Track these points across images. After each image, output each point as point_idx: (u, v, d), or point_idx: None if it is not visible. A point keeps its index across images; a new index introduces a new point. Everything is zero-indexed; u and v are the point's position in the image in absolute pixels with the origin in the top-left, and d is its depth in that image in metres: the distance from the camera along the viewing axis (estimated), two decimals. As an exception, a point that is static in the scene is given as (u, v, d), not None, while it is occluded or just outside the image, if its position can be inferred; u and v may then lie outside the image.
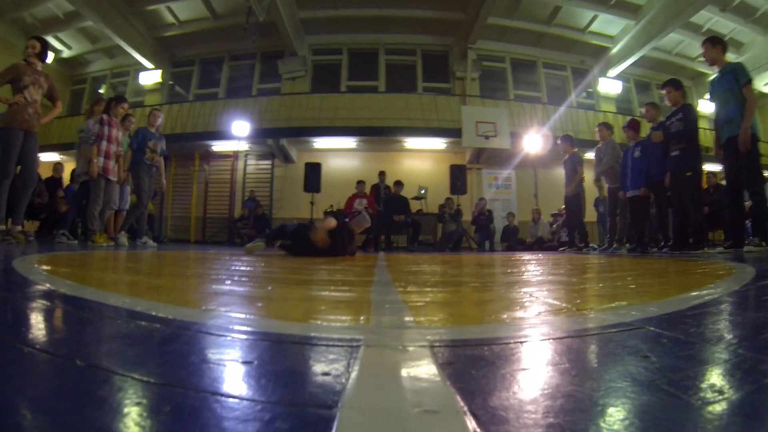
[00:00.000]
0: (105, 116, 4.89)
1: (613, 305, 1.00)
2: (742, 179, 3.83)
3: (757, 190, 3.73)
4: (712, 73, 4.03)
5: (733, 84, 3.76)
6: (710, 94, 4.14)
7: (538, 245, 8.12)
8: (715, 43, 3.96)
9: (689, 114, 4.27)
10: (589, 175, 6.40)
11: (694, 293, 1.21)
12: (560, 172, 6.64)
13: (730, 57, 11.39)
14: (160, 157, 5.51)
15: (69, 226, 5.16)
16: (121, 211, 5.48)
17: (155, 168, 5.48)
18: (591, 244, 6.44)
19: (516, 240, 8.74)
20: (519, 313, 0.88)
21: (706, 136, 11.65)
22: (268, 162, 11.02)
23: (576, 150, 6.26)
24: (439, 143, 10.52)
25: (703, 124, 12.44)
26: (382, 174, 8.60)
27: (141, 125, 5.76)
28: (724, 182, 5.15)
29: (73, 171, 7.25)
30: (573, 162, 6.07)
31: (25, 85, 3.95)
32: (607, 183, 5.86)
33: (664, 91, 4.56)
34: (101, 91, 12.72)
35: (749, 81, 3.72)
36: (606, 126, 5.91)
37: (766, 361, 0.54)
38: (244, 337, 0.64)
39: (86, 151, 4.97)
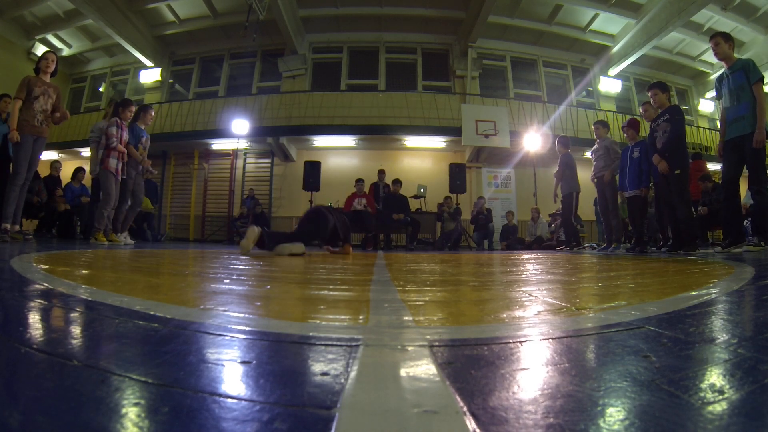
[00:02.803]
0: (118, 120, 4.97)
1: (612, 305, 1.00)
2: (739, 178, 3.82)
3: (761, 189, 3.69)
4: (713, 72, 4.02)
5: (744, 80, 3.71)
6: (716, 91, 4.08)
7: (537, 244, 8.12)
8: (728, 39, 3.91)
9: (675, 114, 4.26)
10: (583, 174, 6.37)
11: (693, 293, 1.21)
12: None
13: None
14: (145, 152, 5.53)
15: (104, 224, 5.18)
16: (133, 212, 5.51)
17: (141, 167, 5.46)
18: (591, 244, 6.44)
19: (515, 239, 8.74)
20: (518, 313, 0.88)
21: (706, 136, 11.68)
22: (268, 160, 11.02)
23: (569, 151, 6.25)
24: (438, 142, 10.52)
25: (703, 123, 12.47)
26: (381, 172, 8.60)
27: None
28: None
29: (77, 169, 7.26)
30: (564, 161, 6.08)
31: (35, 96, 4.17)
32: (594, 177, 5.71)
33: (649, 93, 4.55)
34: (101, 89, 12.70)
35: (761, 79, 3.66)
36: (602, 124, 5.88)
37: (766, 361, 0.53)
38: (242, 336, 0.64)
39: (94, 150, 5.10)
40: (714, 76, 4.38)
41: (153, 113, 5.76)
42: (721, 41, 3.90)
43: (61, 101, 4.49)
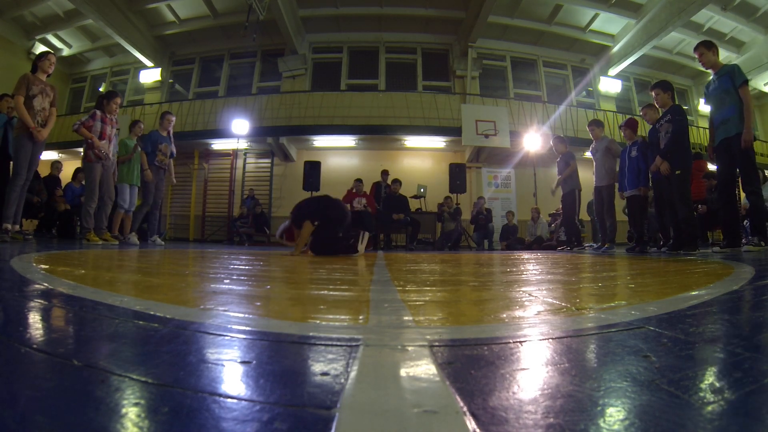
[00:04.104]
0: (98, 112, 4.86)
1: (612, 305, 1.00)
2: (734, 179, 3.84)
3: (754, 190, 3.73)
4: (711, 74, 4.03)
5: (729, 85, 3.77)
6: (705, 97, 4.15)
7: (537, 244, 8.12)
8: (710, 46, 3.99)
9: (677, 114, 4.28)
10: (585, 174, 6.36)
11: (693, 293, 1.21)
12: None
13: (731, 57, 11.43)
14: (169, 159, 5.62)
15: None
16: (129, 212, 5.50)
17: (164, 170, 5.57)
18: (590, 244, 6.43)
19: (515, 239, 8.74)
20: (518, 313, 0.88)
21: (706, 136, 11.66)
22: (268, 160, 11.01)
23: (568, 149, 6.25)
24: (438, 142, 10.52)
25: (703, 123, 12.45)
26: (384, 173, 8.58)
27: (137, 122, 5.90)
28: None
29: (77, 169, 7.26)
30: (566, 159, 6.07)
31: (33, 95, 4.14)
32: (595, 181, 5.72)
33: (653, 93, 4.56)
34: (101, 89, 12.70)
35: (746, 81, 3.73)
36: (597, 123, 5.82)
37: (765, 361, 0.53)
38: (242, 336, 0.64)
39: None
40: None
41: (173, 119, 5.83)
42: (705, 50, 3.98)
43: (57, 101, 4.47)
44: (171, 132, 5.86)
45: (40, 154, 4.36)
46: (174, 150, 5.84)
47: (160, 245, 5.31)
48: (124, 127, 6.07)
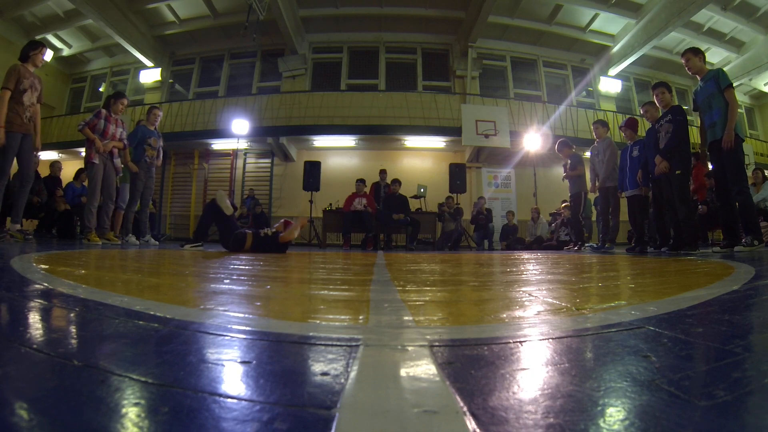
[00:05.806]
0: (103, 110, 4.80)
1: (612, 304, 1.00)
2: (727, 180, 3.88)
3: (742, 189, 3.78)
4: (699, 79, 4.07)
5: (715, 89, 3.85)
6: (693, 104, 4.22)
7: (537, 244, 8.12)
8: (697, 53, 4.07)
9: (678, 115, 4.30)
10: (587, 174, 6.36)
11: (693, 293, 1.21)
12: (560, 172, 6.63)
13: (731, 57, 11.41)
14: (158, 154, 5.53)
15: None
16: (120, 209, 5.45)
17: (154, 167, 5.47)
18: (590, 244, 6.44)
19: (515, 239, 8.74)
20: (518, 313, 0.88)
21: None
22: (268, 160, 11.01)
23: (574, 149, 6.27)
24: (438, 142, 10.52)
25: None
26: (383, 172, 8.59)
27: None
28: None
29: (80, 170, 7.24)
30: (574, 161, 6.09)
31: (24, 89, 3.99)
32: (598, 182, 5.75)
33: (655, 92, 4.58)
34: (101, 89, 12.70)
35: (730, 85, 3.82)
36: (602, 123, 5.87)
37: (765, 361, 0.53)
38: (242, 336, 0.64)
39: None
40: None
41: (159, 113, 5.66)
42: (692, 56, 4.06)
43: (43, 95, 4.28)
44: (156, 126, 5.71)
45: (31, 153, 4.17)
46: (162, 144, 5.62)
47: (154, 245, 5.29)
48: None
